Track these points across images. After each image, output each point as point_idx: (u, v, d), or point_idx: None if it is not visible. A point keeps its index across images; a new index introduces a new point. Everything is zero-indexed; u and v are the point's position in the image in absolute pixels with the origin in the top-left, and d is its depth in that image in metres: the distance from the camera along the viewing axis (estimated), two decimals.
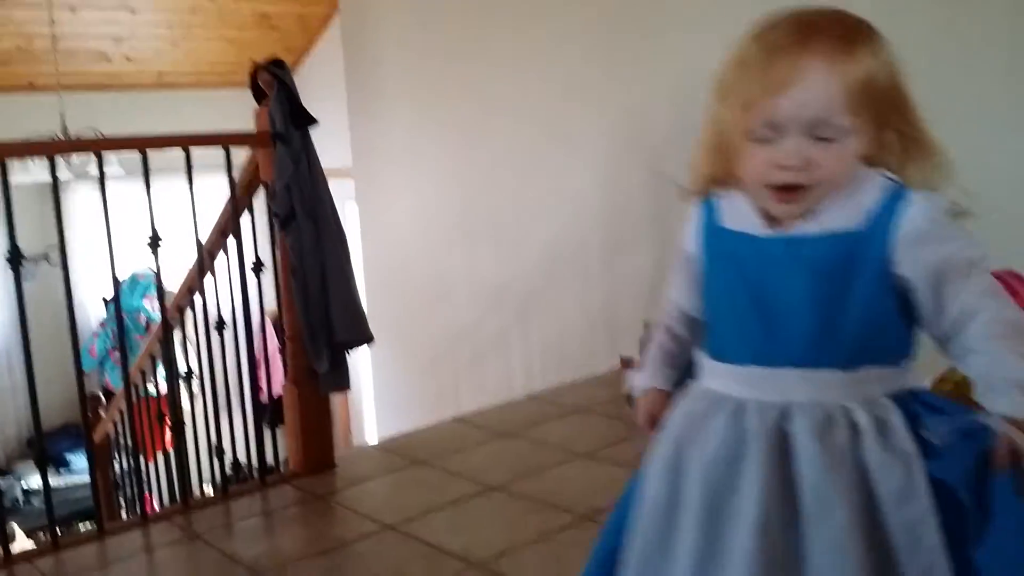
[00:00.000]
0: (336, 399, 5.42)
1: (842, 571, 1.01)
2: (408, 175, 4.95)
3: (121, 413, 4.23)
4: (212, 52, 6.04)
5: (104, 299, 6.12)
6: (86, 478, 5.49)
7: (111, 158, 4.32)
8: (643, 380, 1.33)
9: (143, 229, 2.72)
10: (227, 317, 3.16)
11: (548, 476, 2.70)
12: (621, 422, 3.08)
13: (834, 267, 1.06)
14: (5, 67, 5.49)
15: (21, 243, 2.50)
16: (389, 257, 5.10)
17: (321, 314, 2.82)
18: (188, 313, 3.46)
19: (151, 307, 5.95)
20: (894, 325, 1.09)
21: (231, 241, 2.98)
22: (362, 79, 5.19)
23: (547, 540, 2.27)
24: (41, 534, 5.23)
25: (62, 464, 5.84)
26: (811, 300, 1.07)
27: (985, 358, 1.00)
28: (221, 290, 3.11)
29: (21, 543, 4.79)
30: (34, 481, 5.73)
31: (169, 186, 3.11)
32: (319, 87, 5.40)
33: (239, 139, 2.93)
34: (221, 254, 3.10)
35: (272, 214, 2.87)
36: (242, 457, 3.24)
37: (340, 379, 2.93)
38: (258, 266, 2.99)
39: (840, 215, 1.06)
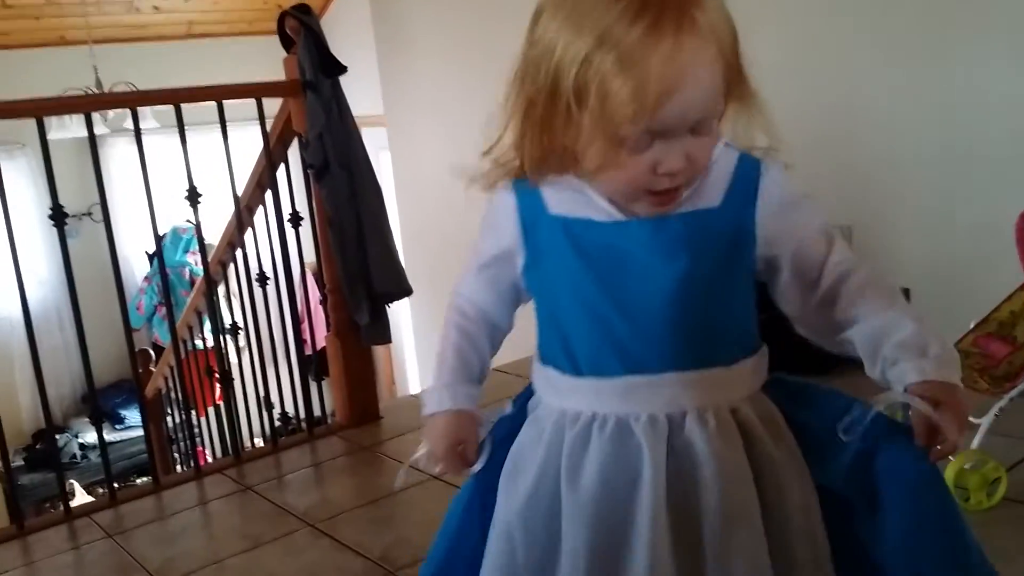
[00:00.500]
0: (379, 351, 5.46)
1: None
2: (441, 122, 4.87)
3: (171, 368, 4.29)
4: (239, 0, 5.98)
5: (147, 253, 6.17)
6: (140, 433, 5.62)
7: (146, 112, 4.31)
8: (439, 400, 1.05)
9: (181, 182, 2.72)
10: (268, 270, 3.16)
11: None
12: None
13: (700, 248, 0.93)
14: (36, 21, 5.49)
15: (62, 200, 2.51)
16: (424, 207, 5.04)
17: (359, 266, 2.81)
18: (230, 267, 3.47)
19: (194, 262, 6.00)
20: (753, 310, 1.00)
21: (268, 194, 2.96)
22: (391, 23, 5.09)
23: None
24: (99, 489, 5.38)
25: (116, 420, 5.96)
26: (684, 289, 0.93)
27: (867, 325, 0.94)
28: (261, 243, 3.11)
29: (80, 498, 4.92)
30: (90, 437, 5.86)
31: (203, 138, 3.09)
32: (347, 33, 5.32)
33: (271, 90, 2.89)
34: (259, 207, 3.10)
35: (307, 165, 2.85)
36: (290, 409, 3.27)
37: (381, 331, 2.92)
38: (296, 218, 2.97)
39: (698, 193, 0.94)
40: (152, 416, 4.27)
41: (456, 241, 4.92)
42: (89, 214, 5.77)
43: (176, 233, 6.06)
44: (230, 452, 2.98)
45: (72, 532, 2.41)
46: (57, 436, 5.61)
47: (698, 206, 0.94)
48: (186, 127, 2.71)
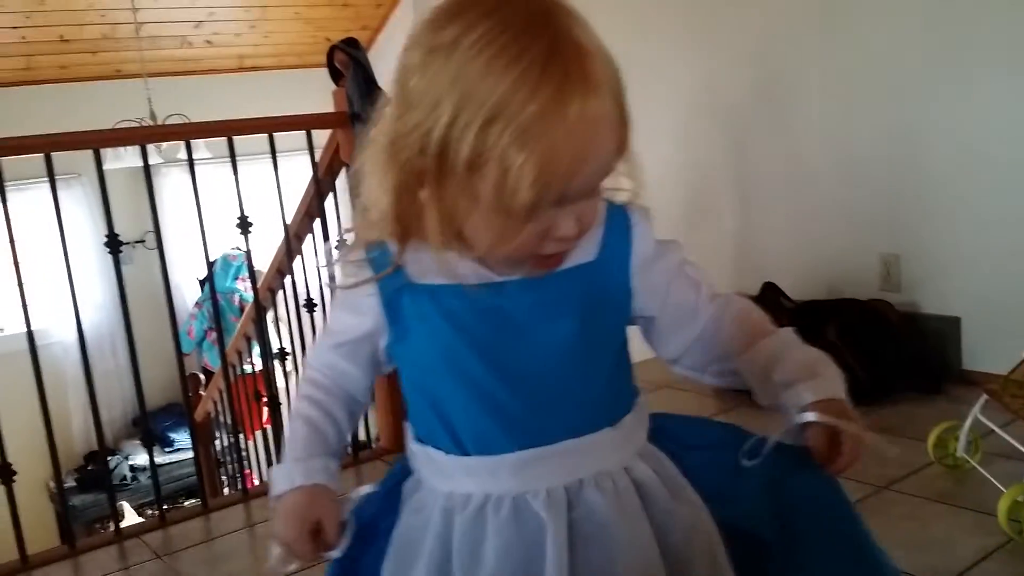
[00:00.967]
0: None
1: None
2: None
3: (220, 392, 4.36)
4: (289, 33, 6.11)
5: (198, 279, 6.29)
6: (189, 455, 5.70)
7: (199, 143, 4.42)
8: (290, 477, 0.93)
9: (232, 211, 2.79)
10: (316, 297, 3.22)
11: None
12: (705, 397, 3.05)
13: (581, 304, 0.88)
14: (93, 56, 5.65)
15: (116, 228, 2.58)
16: None
17: None
18: (279, 294, 3.54)
19: (244, 288, 6.10)
20: (628, 362, 0.96)
21: (317, 222, 3.02)
22: None
23: None
24: (148, 510, 5.46)
25: (166, 443, 6.05)
26: (571, 350, 0.88)
27: (754, 354, 0.93)
28: (309, 270, 3.16)
29: (130, 519, 5.00)
30: (140, 459, 5.95)
31: (253, 167, 3.16)
32: (393, 65, 5.41)
33: (319, 121, 2.96)
34: (308, 235, 3.16)
35: (354, 194, 2.90)
36: None
37: None
38: (343, 246, 3.03)
39: (576, 247, 0.87)
40: (201, 439, 4.35)
41: None
42: (142, 241, 5.91)
43: (226, 260, 6.17)
44: None
45: (122, 552, 2.46)
46: (108, 458, 5.71)
47: (575, 261, 0.88)
48: (237, 158, 2.78)
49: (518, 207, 0.77)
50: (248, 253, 2.88)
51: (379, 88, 2.81)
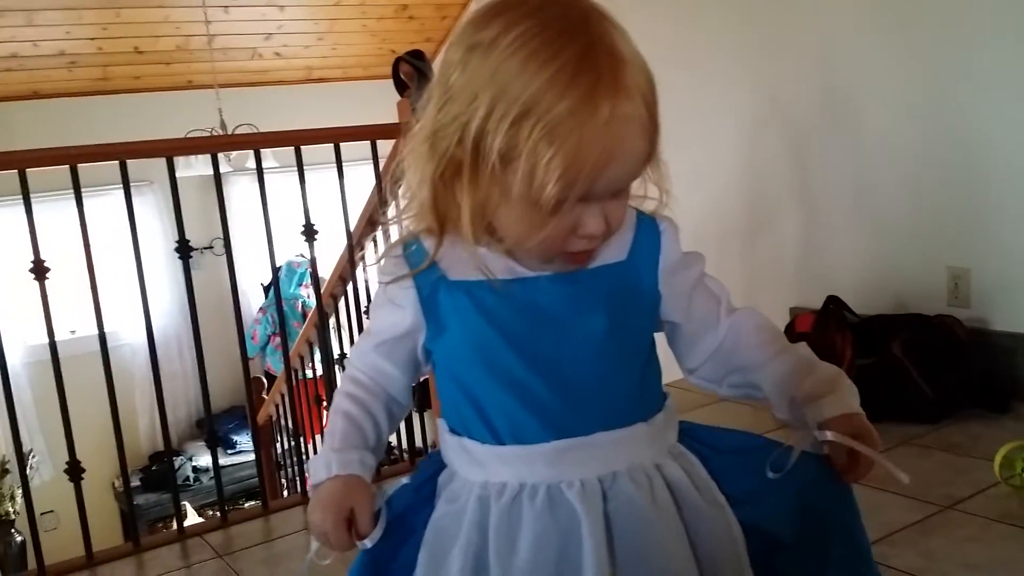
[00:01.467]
0: None
1: None
2: None
3: (282, 396, 4.43)
4: (355, 46, 6.20)
5: (262, 285, 6.41)
6: (250, 458, 5.80)
7: (267, 152, 4.51)
8: (327, 466, 0.95)
9: (296, 218, 2.84)
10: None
11: None
12: (765, 412, 3.01)
13: (613, 301, 0.91)
14: (166, 67, 5.81)
15: (186, 234, 2.65)
16: None
17: None
18: (340, 300, 3.59)
19: (307, 294, 6.20)
20: (657, 363, 0.99)
21: (379, 231, 3.07)
22: None
23: None
24: (209, 510, 5.57)
25: (228, 445, 6.16)
26: (605, 344, 0.90)
27: (773, 368, 0.96)
28: (371, 278, 3.21)
29: (192, 519, 5.10)
30: (202, 460, 6.07)
31: (318, 176, 3.22)
32: None
33: (384, 132, 3.01)
34: (370, 243, 3.21)
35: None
36: (392, 439, 3.34)
37: None
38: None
39: (606, 247, 0.92)
40: (263, 442, 4.42)
41: None
42: (210, 247, 6.04)
43: (290, 267, 6.27)
44: None
45: (184, 551, 2.51)
46: (173, 459, 5.84)
47: (606, 260, 0.92)
48: (304, 167, 2.84)
49: (545, 200, 0.80)
50: (313, 260, 2.93)
51: None
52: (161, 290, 5.93)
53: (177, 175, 2.67)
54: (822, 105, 3.39)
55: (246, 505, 5.38)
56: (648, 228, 0.96)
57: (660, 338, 1.02)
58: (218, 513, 2.74)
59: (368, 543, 0.93)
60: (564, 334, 0.90)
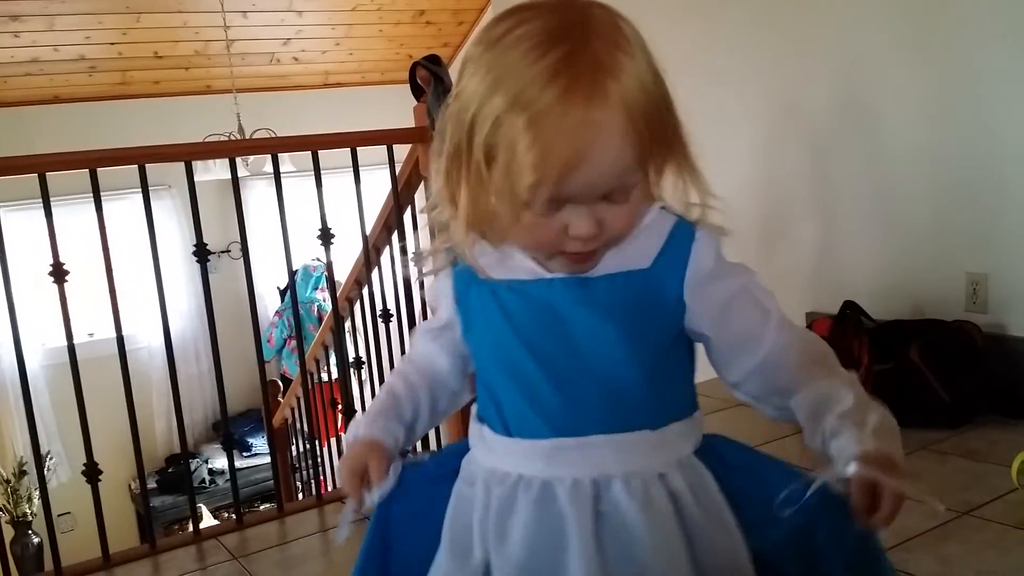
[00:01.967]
0: None
1: None
2: None
3: (297, 399, 4.45)
4: (372, 50, 6.23)
5: (279, 289, 6.44)
6: (266, 460, 5.82)
7: (284, 157, 4.54)
8: (356, 429, 1.05)
9: (313, 222, 2.85)
10: (392, 307, 3.27)
11: None
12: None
13: (627, 309, 0.92)
14: (185, 71, 5.85)
15: (204, 238, 2.66)
16: None
17: None
18: (356, 304, 3.60)
19: (323, 298, 6.22)
20: (687, 375, 0.99)
21: (395, 235, 3.08)
22: None
23: None
24: (224, 513, 5.59)
25: (244, 447, 6.19)
26: (609, 350, 0.91)
27: (808, 394, 0.90)
28: (386, 282, 3.22)
29: (207, 521, 5.12)
30: (218, 463, 6.10)
31: (335, 180, 3.24)
32: None
33: (401, 136, 3.02)
34: (386, 247, 3.22)
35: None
36: (418, 445, 3.34)
37: None
38: (419, 258, 3.07)
39: (628, 254, 0.92)
40: (278, 445, 4.44)
41: None
42: (227, 251, 6.08)
43: (307, 271, 6.30)
44: None
45: (200, 553, 2.52)
46: (189, 461, 5.87)
47: (628, 267, 0.92)
48: (321, 171, 2.85)
49: (521, 191, 0.82)
50: (329, 264, 2.94)
51: None
52: (178, 293, 5.97)
53: (195, 179, 2.69)
54: (840, 110, 3.38)
55: (261, 507, 5.40)
56: (682, 236, 0.94)
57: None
58: (234, 515, 2.75)
59: (376, 495, 1.00)
60: (573, 336, 0.93)
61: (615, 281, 0.92)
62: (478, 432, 1.02)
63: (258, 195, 6.13)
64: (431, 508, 1.01)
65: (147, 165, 2.56)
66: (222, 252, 6.07)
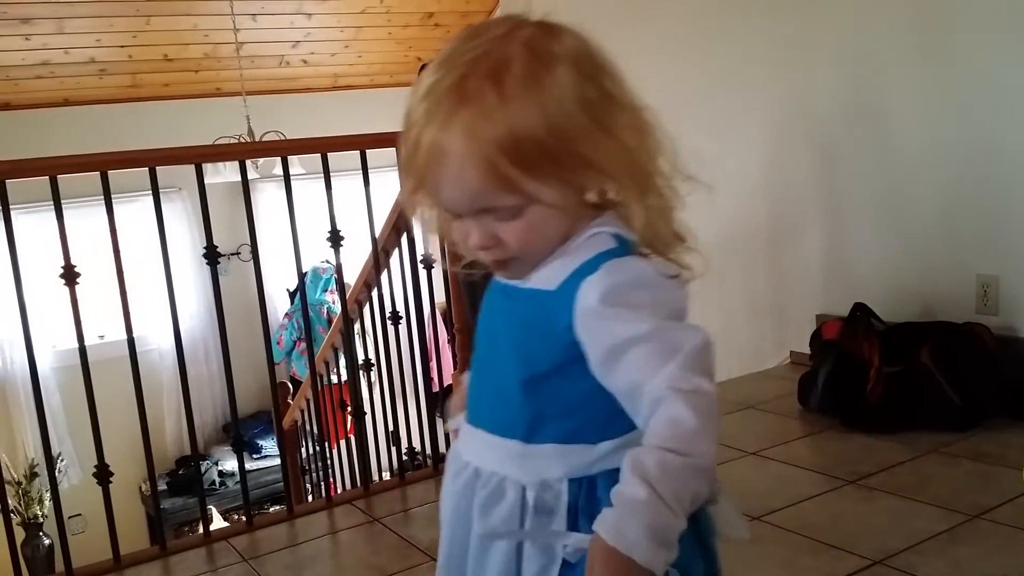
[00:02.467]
0: None
1: None
2: None
3: (307, 401, 4.45)
4: (381, 53, 6.24)
5: (288, 291, 6.46)
6: (276, 462, 5.83)
7: (293, 159, 4.55)
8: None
9: (322, 224, 2.86)
10: (401, 310, 3.28)
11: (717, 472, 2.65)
12: (791, 419, 3.00)
13: (524, 324, 0.96)
14: (195, 74, 5.87)
15: (214, 240, 2.66)
16: None
17: None
18: (366, 306, 3.61)
19: (332, 300, 6.23)
20: (583, 406, 0.94)
21: (404, 237, 3.08)
22: None
23: None
24: (234, 515, 5.61)
25: (254, 449, 6.20)
26: (507, 357, 0.97)
27: (628, 458, 0.84)
28: (395, 284, 3.22)
29: (217, 523, 5.13)
30: (228, 465, 6.12)
31: (344, 183, 3.24)
32: None
33: None
34: (395, 250, 3.22)
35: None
36: (417, 445, 3.35)
37: None
38: (428, 261, 3.08)
39: (550, 274, 0.94)
40: (288, 447, 4.45)
41: None
42: (237, 253, 6.10)
43: (316, 273, 6.31)
44: (359, 484, 3.07)
45: (210, 555, 2.53)
46: (199, 463, 5.89)
47: (541, 286, 0.94)
48: (330, 173, 2.85)
49: (407, 194, 0.96)
50: (338, 266, 2.95)
51: None
52: (189, 295, 5.99)
53: (205, 182, 2.70)
54: (849, 114, 3.37)
55: (271, 509, 5.41)
56: (590, 267, 0.91)
57: None
58: (244, 517, 2.75)
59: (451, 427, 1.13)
60: (492, 341, 1.03)
61: (527, 296, 0.96)
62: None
63: (268, 197, 6.15)
64: None
65: (157, 168, 2.57)
66: (232, 254, 6.08)
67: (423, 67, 3.02)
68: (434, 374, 3.23)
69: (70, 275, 2.45)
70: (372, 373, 3.61)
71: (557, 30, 0.94)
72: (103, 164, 2.49)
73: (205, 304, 6.12)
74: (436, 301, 3.22)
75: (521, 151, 0.87)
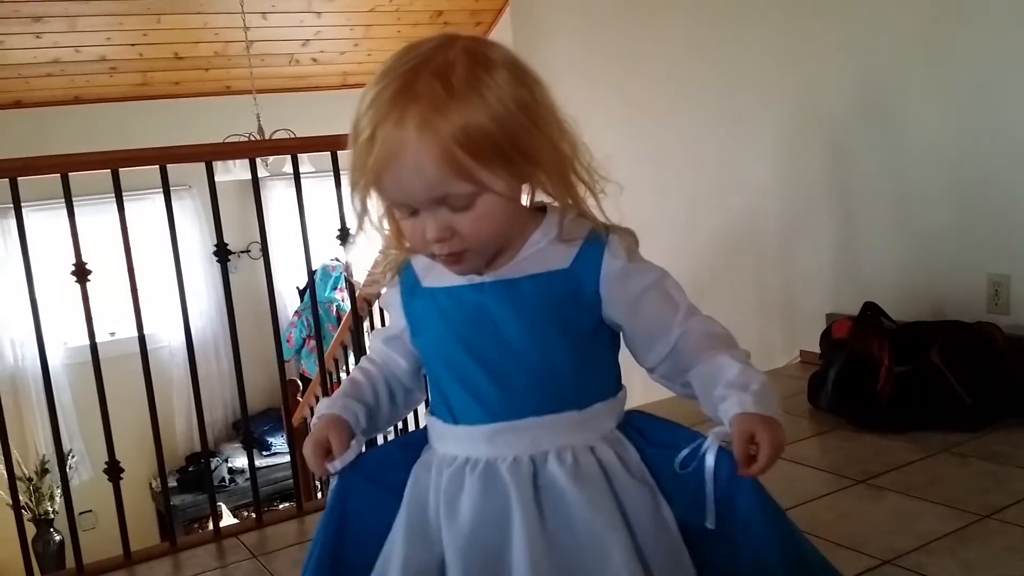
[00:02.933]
0: None
1: None
2: None
3: (317, 399, 4.46)
4: (391, 51, 6.05)
5: (298, 289, 6.47)
6: (285, 459, 5.84)
7: (303, 157, 4.55)
8: (320, 408, 1.18)
9: (332, 222, 2.86)
10: None
11: None
12: (801, 418, 2.99)
13: (551, 303, 1.05)
14: (205, 72, 5.89)
15: (224, 238, 2.67)
16: None
17: None
18: (375, 304, 3.61)
19: (341, 298, 6.24)
20: (608, 360, 1.12)
21: None
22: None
23: None
24: (244, 511, 5.62)
25: (264, 446, 6.22)
26: (535, 342, 1.05)
27: (703, 368, 1.04)
28: None
29: (227, 519, 5.15)
30: (238, 462, 6.14)
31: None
32: None
33: None
34: None
35: None
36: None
37: None
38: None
39: (549, 258, 1.06)
40: (298, 444, 4.45)
41: None
42: (247, 251, 6.11)
43: (325, 271, 6.32)
44: None
45: (220, 551, 2.54)
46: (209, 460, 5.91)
47: (549, 268, 1.05)
48: (340, 172, 2.86)
49: (358, 192, 1.02)
50: (348, 264, 2.95)
51: None
52: (199, 293, 6.00)
53: (216, 180, 2.70)
54: (860, 113, 3.36)
55: (281, 506, 5.42)
56: (596, 240, 1.06)
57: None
58: (253, 514, 2.76)
59: (337, 465, 1.11)
60: (503, 332, 1.05)
61: (538, 280, 1.05)
62: (431, 423, 1.14)
63: (278, 195, 6.16)
64: (390, 493, 1.12)
65: (168, 165, 2.58)
66: (242, 252, 6.10)
67: None
68: None
69: (81, 272, 2.46)
70: None
71: (490, 42, 1.03)
72: (114, 162, 2.50)
73: (215, 302, 6.14)
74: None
75: (473, 141, 0.95)
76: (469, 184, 0.96)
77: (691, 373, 1.06)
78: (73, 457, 5.38)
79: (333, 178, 2.84)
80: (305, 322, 6.23)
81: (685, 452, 1.03)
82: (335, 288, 6.31)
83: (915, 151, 3.18)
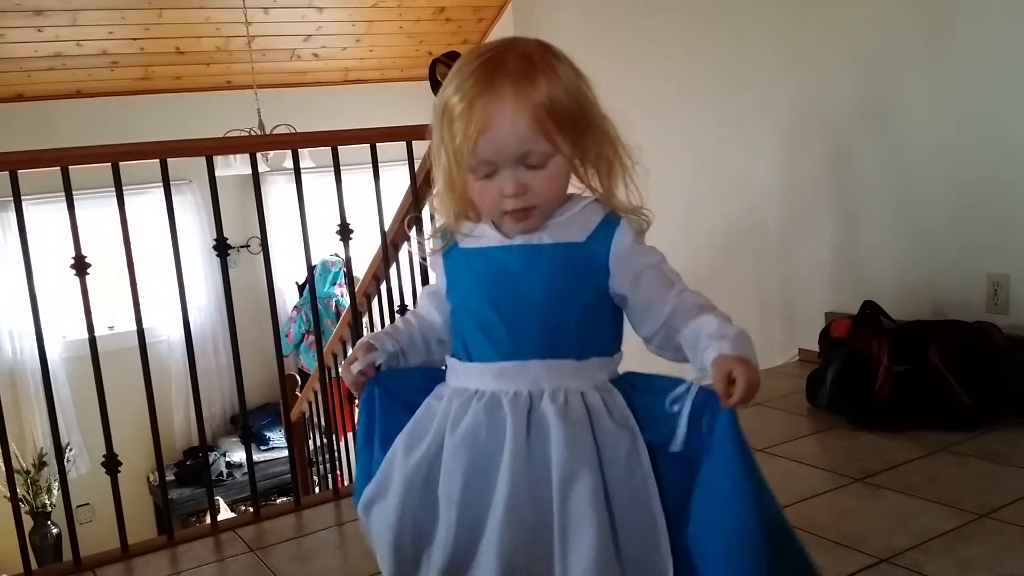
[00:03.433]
0: None
1: (587, 534, 1.15)
2: None
3: (315, 394, 4.46)
4: (392, 47, 6.24)
5: (297, 284, 6.47)
6: (283, 454, 5.85)
7: (304, 152, 4.55)
8: (363, 336, 1.44)
9: (332, 218, 2.86)
10: (409, 303, 3.28)
11: None
12: (799, 417, 2.99)
13: (566, 268, 1.23)
14: (206, 67, 5.88)
15: (224, 233, 2.67)
16: None
17: None
18: (374, 299, 3.61)
19: (340, 293, 6.24)
20: (609, 324, 1.28)
21: (413, 231, 3.08)
22: None
23: None
24: (242, 506, 5.62)
25: (262, 441, 6.22)
26: (547, 298, 1.23)
27: (689, 329, 1.19)
28: (404, 278, 3.22)
29: (224, 514, 5.16)
30: (236, 456, 6.14)
31: (354, 177, 3.25)
32: None
33: (420, 133, 3.01)
34: (404, 243, 3.22)
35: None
36: None
37: None
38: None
39: (569, 231, 1.24)
40: (296, 439, 4.46)
41: None
42: (247, 246, 6.11)
43: (325, 266, 6.32)
44: None
45: (217, 545, 2.54)
46: (207, 454, 5.91)
47: (568, 240, 1.24)
48: (341, 167, 2.86)
49: (460, 158, 1.18)
50: (348, 260, 2.95)
51: None
52: (198, 287, 6.00)
53: (216, 174, 2.70)
54: (860, 113, 3.36)
55: (278, 501, 5.43)
56: (610, 221, 1.26)
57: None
58: (251, 508, 2.76)
59: (358, 365, 1.34)
60: (519, 287, 1.24)
61: (558, 249, 1.24)
62: (450, 364, 1.33)
63: (278, 191, 6.16)
64: (404, 408, 1.33)
65: (168, 160, 2.58)
66: (242, 247, 6.10)
67: (434, 62, 3.03)
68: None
69: (81, 266, 2.46)
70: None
71: (550, 44, 1.23)
72: (114, 156, 2.50)
73: (214, 296, 6.14)
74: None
75: (556, 109, 1.17)
76: (549, 144, 1.17)
77: (680, 335, 1.21)
78: (71, 450, 5.38)
79: (333, 173, 2.84)
80: (304, 317, 6.23)
81: (676, 392, 1.18)
82: (334, 284, 6.31)
83: (915, 151, 3.18)
